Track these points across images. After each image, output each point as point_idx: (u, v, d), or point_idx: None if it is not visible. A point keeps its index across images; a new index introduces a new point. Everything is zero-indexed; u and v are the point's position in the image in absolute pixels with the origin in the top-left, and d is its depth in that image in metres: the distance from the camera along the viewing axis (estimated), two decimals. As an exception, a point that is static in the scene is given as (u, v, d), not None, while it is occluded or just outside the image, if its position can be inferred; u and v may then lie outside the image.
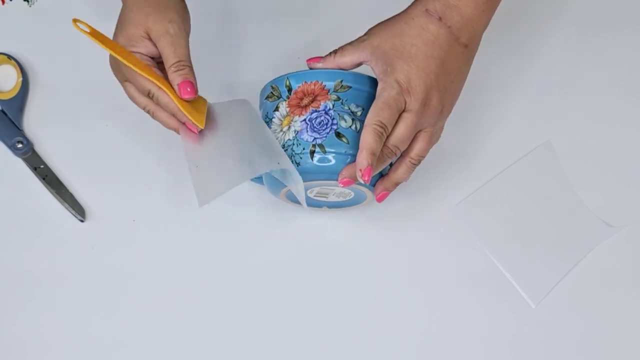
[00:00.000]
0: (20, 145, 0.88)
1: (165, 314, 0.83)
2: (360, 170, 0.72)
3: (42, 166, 0.88)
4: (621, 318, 0.84)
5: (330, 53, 0.77)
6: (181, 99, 0.76)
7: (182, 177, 0.88)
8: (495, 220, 0.87)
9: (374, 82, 0.77)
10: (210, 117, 0.79)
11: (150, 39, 0.77)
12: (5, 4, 0.95)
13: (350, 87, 0.76)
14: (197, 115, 0.77)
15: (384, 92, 0.73)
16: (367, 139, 0.72)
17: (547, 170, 0.89)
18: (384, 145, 0.73)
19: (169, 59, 0.76)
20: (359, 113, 0.76)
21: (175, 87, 0.76)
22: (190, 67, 0.77)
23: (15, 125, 0.89)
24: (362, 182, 0.72)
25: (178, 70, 0.76)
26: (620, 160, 0.89)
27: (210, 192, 0.75)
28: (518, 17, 0.95)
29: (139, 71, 0.75)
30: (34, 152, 0.89)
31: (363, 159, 0.72)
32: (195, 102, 0.78)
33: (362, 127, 0.75)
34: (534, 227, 0.87)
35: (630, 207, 0.88)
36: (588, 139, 0.90)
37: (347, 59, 0.76)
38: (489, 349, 0.82)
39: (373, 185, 0.78)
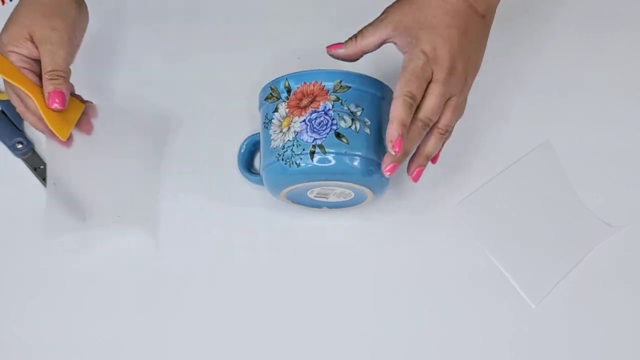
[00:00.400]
0: (20, 146, 0.88)
1: (165, 314, 0.83)
2: (391, 141, 0.72)
3: (42, 166, 0.88)
4: (621, 318, 0.83)
5: (351, 38, 0.77)
6: (49, 108, 0.78)
7: (182, 176, 0.88)
8: (495, 220, 0.87)
9: (373, 82, 0.77)
10: (87, 124, 0.82)
11: (33, 42, 0.78)
12: (5, 4, 0.95)
13: (350, 87, 0.76)
14: (63, 125, 0.79)
15: (411, 63, 0.73)
16: (398, 109, 0.72)
17: (547, 170, 0.89)
18: (417, 118, 0.73)
19: (46, 67, 0.78)
20: (358, 113, 0.76)
21: (46, 95, 0.78)
22: (65, 78, 0.79)
23: (15, 125, 0.89)
24: (393, 153, 0.72)
25: (51, 79, 0.78)
26: (620, 160, 0.89)
27: (60, 227, 0.79)
28: (518, 17, 0.95)
29: (5, 77, 0.78)
30: (34, 152, 0.89)
31: (394, 130, 0.71)
32: (68, 110, 0.80)
33: (362, 127, 0.75)
34: (534, 227, 0.87)
35: (630, 207, 0.88)
36: (588, 139, 0.90)
37: (369, 40, 0.76)
38: (489, 349, 0.82)
39: (384, 183, 0.78)
